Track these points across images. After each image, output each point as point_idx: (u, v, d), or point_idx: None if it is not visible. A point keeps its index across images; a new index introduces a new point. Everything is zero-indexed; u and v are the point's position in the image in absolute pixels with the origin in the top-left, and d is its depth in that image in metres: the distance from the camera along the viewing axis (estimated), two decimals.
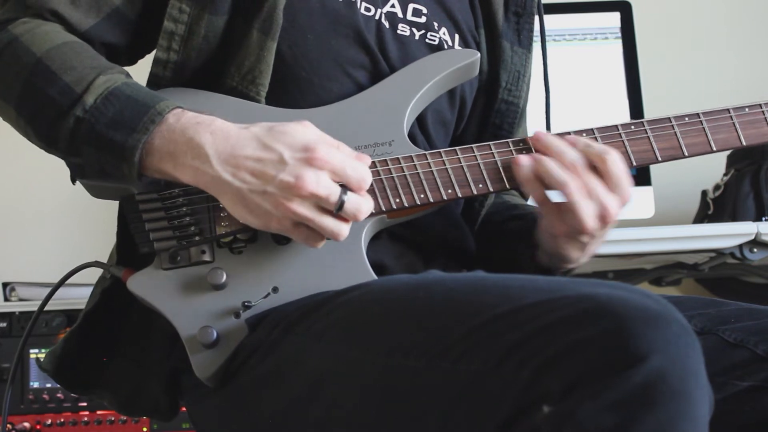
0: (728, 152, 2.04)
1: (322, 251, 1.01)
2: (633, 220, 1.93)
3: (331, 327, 0.94)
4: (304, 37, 1.10)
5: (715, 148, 1.11)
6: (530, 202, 1.34)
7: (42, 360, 1.16)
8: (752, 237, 1.68)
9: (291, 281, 1.02)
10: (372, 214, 1.01)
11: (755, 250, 1.70)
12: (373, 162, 1.05)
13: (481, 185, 1.07)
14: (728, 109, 1.12)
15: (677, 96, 2.43)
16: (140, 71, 1.13)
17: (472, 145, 1.08)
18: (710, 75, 2.49)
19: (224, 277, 1.01)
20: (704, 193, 2.09)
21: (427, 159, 1.07)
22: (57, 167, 1.18)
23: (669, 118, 1.11)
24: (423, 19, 1.18)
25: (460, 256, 1.19)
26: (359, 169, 0.97)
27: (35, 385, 1.95)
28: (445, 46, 1.18)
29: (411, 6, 1.18)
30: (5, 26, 1.06)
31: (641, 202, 1.98)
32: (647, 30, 2.23)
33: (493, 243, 1.23)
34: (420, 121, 1.16)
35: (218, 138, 0.96)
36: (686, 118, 1.11)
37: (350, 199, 0.95)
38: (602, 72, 2.11)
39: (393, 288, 0.93)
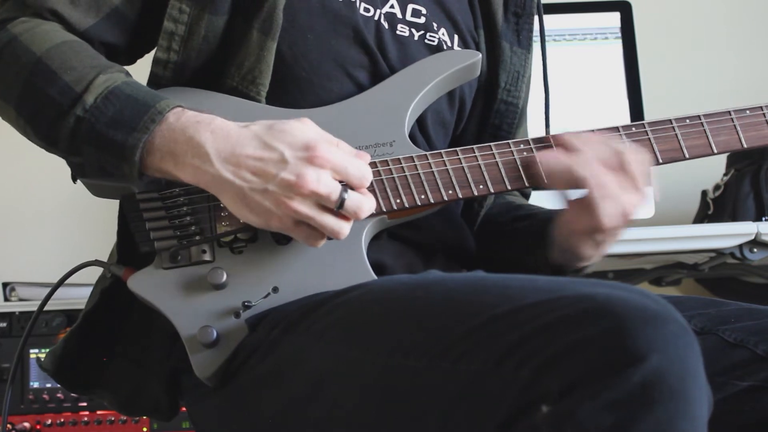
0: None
1: (322, 251, 1.01)
2: (633, 220, 1.93)
3: (331, 327, 0.94)
4: (304, 37, 1.10)
5: (716, 150, 1.11)
6: (531, 201, 1.34)
7: (42, 360, 1.16)
8: (752, 237, 1.68)
9: (291, 281, 1.02)
10: (372, 215, 1.01)
11: (755, 250, 1.70)
12: (374, 162, 1.05)
13: (481, 186, 1.07)
14: (729, 111, 1.12)
15: (677, 96, 2.43)
16: (140, 71, 1.13)
17: (473, 146, 1.08)
18: (710, 75, 2.49)
19: (224, 276, 1.01)
20: (704, 193, 2.09)
21: (427, 159, 1.07)
22: (57, 167, 1.18)
23: (670, 120, 1.11)
24: (422, 20, 1.18)
25: (460, 256, 1.19)
26: (360, 167, 0.97)
27: (35, 385, 1.95)
28: (444, 47, 1.18)
29: (410, 6, 1.18)
30: (4, 25, 1.06)
31: None
32: (647, 30, 2.23)
33: (499, 243, 1.23)
34: (420, 121, 1.16)
35: (218, 137, 0.97)
36: (687, 120, 1.11)
37: (351, 197, 0.95)
38: (602, 72, 2.11)
39: (393, 288, 0.93)
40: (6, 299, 2.08)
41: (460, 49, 1.20)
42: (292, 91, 1.10)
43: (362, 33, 1.12)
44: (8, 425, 1.90)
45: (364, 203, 0.97)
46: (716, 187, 2.05)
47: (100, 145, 0.99)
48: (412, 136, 1.13)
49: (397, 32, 1.16)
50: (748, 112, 1.12)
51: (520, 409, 0.74)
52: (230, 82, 1.09)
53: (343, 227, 0.97)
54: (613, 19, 2.13)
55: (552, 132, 1.16)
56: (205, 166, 0.96)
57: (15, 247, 2.43)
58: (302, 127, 0.97)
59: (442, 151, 1.07)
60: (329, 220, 0.95)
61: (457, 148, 1.08)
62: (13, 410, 1.93)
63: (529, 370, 0.74)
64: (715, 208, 2.03)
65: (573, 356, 0.73)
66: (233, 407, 1.04)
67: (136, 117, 0.98)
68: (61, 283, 1.14)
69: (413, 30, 1.17)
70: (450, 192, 1.06)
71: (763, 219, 1.93)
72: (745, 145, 1.11)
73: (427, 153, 1.07)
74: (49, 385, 1.94)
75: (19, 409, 1.93)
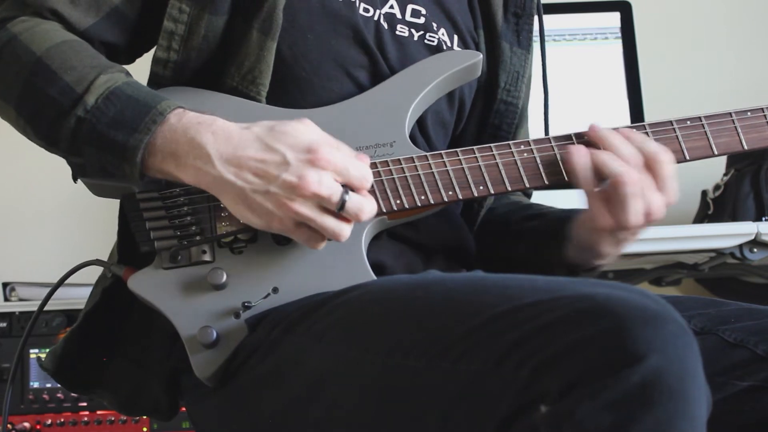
0: None
1: (322, 252, 1.01)
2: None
3: (330, 327, 0.94)
4: (304, 37, 1.10)
5: (716, 152, 1.11)
6: (535, 200, 1.34)
7: (43, 359, 1.16)
8: (752, 237, 1.68)
9: (291, 282, 1.02)
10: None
11: (755, 250, 1.70)
12: (374, 163, 1.05)
13: (481, 187, 1.07)
14: (730, 113, 1.11)
15: (677, 96, 2.43)
16: (140, 70, 1.13)
17: (474, 147, 1.08)
18: (710, 75, 2.49)
19: (224, 277, 1.01)
20: (704, 193, 2.08)
21: (428, 160, 1.07)
22: (57, 167, 1.18)
23: (671, 122, 1.10)
24: (422, 20, 1.18)
25: (459, 256, 1.19)
26: (361, 168, 0.97)
27: (35, 385, 1.95)
28: (444, 47, 1.18)
29: (410, 7, 1.18)
30: (4, 24, 1.06)
31: None
32: (647, 30, 2.23)
33: (505, 242, 1.23)
34: (419, 122, 1.16)
35: (220, 138, 0.97)
36: (688, 122, 1.11)
37: (352, 198, 0.95)
38: (602, 72, 2.11)
39: (392, 288, 0.94)
40: (6, 299, 2.08)
41: (460, 49, 1.20)
42: (292, 91, 1.10)
43: (362, 33, 1.12)
44: (8, 425, 1.90)
45: (365, 205, 0.97)
46: (716, 187, 2.05)
47: (101, 146, 0.99)
48: (411, 137, 1.13)
49: (397, 32, 1.16)
50: (749, 113, 1.12)
51: (520, 409, 0.74)
52: (230, 82, 1.09)
53: (344, 229, 0.97)
54: (613, 19, 2.13)
55: (551, 132, 1.16)
56: (207, 167, 0.96)
57: (15, 247, 2.43)
58: (304, 129, 0.97)
59: (442, 152, 1.07)
60: (330, 222, 0.96)
61: (458, 149, 1.08)
62: (13, 410, 1.93)
63: (528, 370, 0.74)
64: (715, 208, 2.03)
65: (572, 356, 0.73)
66: (233, 407, 1.04)
67: (137, 118, 0.98)
68: (61, 283, 1.14)
69: (413, 30, 1.17)
70: (450, 193, 1.06)
71: (763, 219, 1.93)
72: (746, 147, 1.11)
73: (428, 154, 1.07)
74: (49, 385, 1.94)
75: (19, 409, 1.93)
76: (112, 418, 1.95)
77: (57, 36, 1.05)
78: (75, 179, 1.09)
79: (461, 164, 1.07)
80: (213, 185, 0.97)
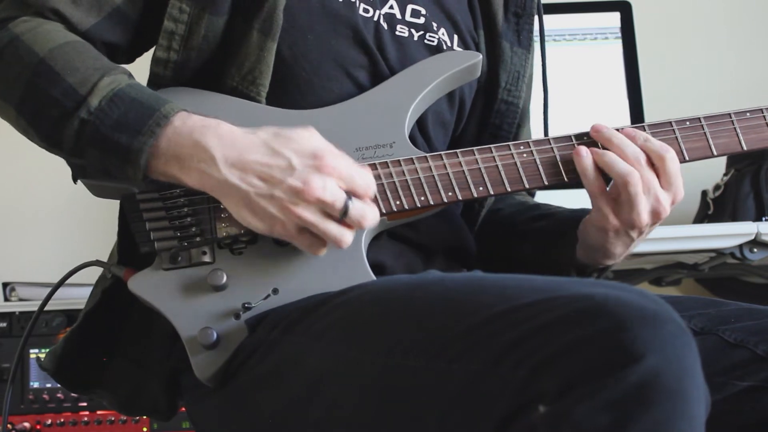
0: None
1: None
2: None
3: (330, 327, 0.94)
4: (304, 37, 1.10)
5: (715, 153, 1.11)
6: (538, 199, 1.34)
7: (42, 359, 1.16)
8: (752, 237, 1.68)
9: (291, 283, 1.02)
10: None
11: (755, 250, 1.71)
12: (374, 164, 1.05)
13: (481, 188, 1.07)
14: (729, 114, 1.12)
15: (677, 96, 2.43)
16: (140, 70, 1.13)
17: (473, 148, 1.08)
18: (710, 75, 2.49)
19: (224, 278, 1.01)
20: (704, 193, 2.09)
21: (427, 161, 1.07)
22: (57, 167, 1.18)
23: (670, 122, 1.10)
24: (422, 20, 1.18)
25: (460, 256, 1.19)
26: (365, 176, 0.97)
27: (35, 385, 1.95)
28: (444, 47, 1.18)
29: (410, 7, 1.18)
30: (5, 25, 1.06)
31: None
32: (647, 30, 2.23)
33: (511, 242, 1.23)
34: (420, 122, 1.16)
35: (225, 142, 0.97)
36: (687, 122, 1.11)
37: (355, 205, 0.96)
38: (602, 72, 2.11)
39: (392, 288, 0.94)
40: (6, 299, 2.08)
41: (460, 49, 1.20)
42: (292, 92, 1.10)
43: (362, 33, 1.12)
44: (8, 425, 1.90)
45: (367, 212, 0.97)
46: (716, 187, 2.05)
47: (104, 148, 0.99)
48: (412, 137, 1.13)
49: (397, 33, 1.16)
50: (748, 114, 1.12)
51: (518, 409, 0.74)
52: (230, 82, 1.09)
53: (346, 235, 0.97)
54: (613, 19, 2.13)
55: (551, 132, 1.16)
56: (211, 170, 0.96)
57: (15, 247, 2.43)
58: (309, 136, 0.97)
59: (441, 153, 1.07)
60: (332, 228, 0.96)
61: (457, 150, 1.08)
62: (13, 410, 1.93)
63: (526, 370, 0.74)
64: (715, 208, 2.03)
65: (570, 356, 0.73)
66: (233, 407, 1.04)
67: (141, 120, 0.98)
68: (61, 283, 1.14)
69: (413, 30, 1.17)
70: (449, 194, 1.06)
71: (763, 219, 1.93)
72: (745, 148, 1.11)
73: (427, 155, 1.07)
74: (49, 385, 1.94)
75: (19, 409, 1.93)
76: (112, 418, 1.95)
77: (59, 37, 1.05)
78: (75, 180, 1.09)
79: (461, 165, 1.07)
80: (217, 188, 0.97)
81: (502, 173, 1.08)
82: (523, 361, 0.74)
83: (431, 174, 1.06)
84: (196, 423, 1.15)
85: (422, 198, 1.06)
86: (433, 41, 1.18)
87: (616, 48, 2.11)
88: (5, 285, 2.09)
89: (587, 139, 1.09)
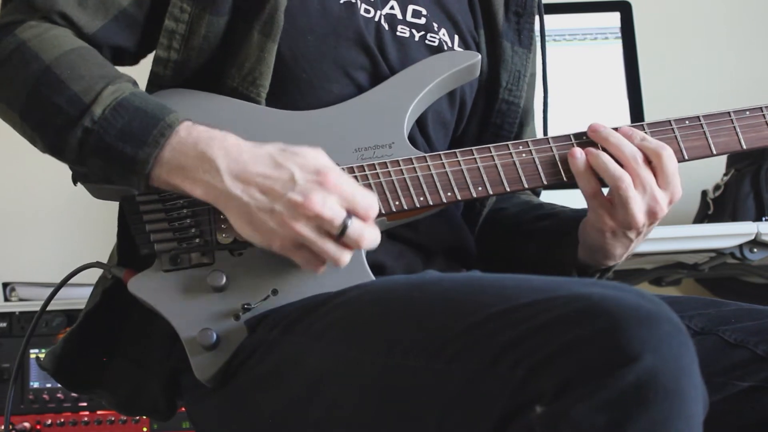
0: None
1: None
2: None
3: (330, 327, 0.94)
4: (304, 38, 1.10)
5: (715, 152, 1.11)
6: (541, 198, 1.34)
7: (42, 359, 1.16)
8: (752, 237, 1.68)
9: (290, 284, 1.02)
10: None
11: (755, 250, 1.71)
12: (373, 164, 1.05)
13: (480, 188, 1.07)
14: (729, 113, 1.12)
15: (677, 96, 2.42)
16: (140, 70, 1.13)
17: (472, 148, 1.08)
18: (710, 75, 2.49)
19: (224, 279, 1.01)
20: (704, 193, 2.08)
21: (426, 162, 1.07)
22: (57, 167, 1.18)
23: (669, 121, 1.10)
24: (422, 21, 1.18)
25: (459, 256, 1.19)
26: (368, 197, 0.96)
27: (35, 385, 1.95)
28: (445, 47, 1.18)
29: (410, 7, 1.18)
30: (12, 30, 1.05)
31: None
32: (647, 30, 2.23)
33: (515, 241, 1.23)
34: (420, 122, 1.16)
35: (231, 154, 0.96)
36: (686, 121, 1.11)
37: (354, 225, 0.94)
38: (602, 72, 2.11)
39: (391, 288, 0.94)
40: (6, 299, 2.08)
41: (460, 49, 1.20)
42: (292, 92, 1.10)
43: (362, 34, 1.12)
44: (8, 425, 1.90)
45: (366, 233, 0.95)
46: (716, 187, 2.05)
47: (108, 157, 0.99)
48: (412, 137, 1.13)
49: (398, 33, 1.16)
50: (747, 113, 1.12)
51: (516, 409, 0.74)
52: (230, 82, 1.09)
53: (343, 255, 0.96)
54: (613, 19, 2.13)
55: (552, 132, 1.16)
56: (215, 181, 0.96)
57: (15, 247, 2.43)
58: (315, 154, 0.97)
59: (440, 153, 1.07)
60: (330, 247, 0.95)
61: (456, 150, 1.08)
62: (13, 410, 1.93)
63: (524, 370, 0.74)
64: (715, 208, 2.03)
65: (568, 356, 0.73)
66: (233, 407, 1.04)
67: (145, 130, 0.98)
68: (62, 285, 1.14)
69: (413, 31, 1.17)
70: (449, 194, 1.06)
71: (763, 219, 1.93)
72: (744, 147, 1.11)
73: (426, 155, 1.07)
74: (49, 385, 1.94)
75: (19, 409, 1.93)
76: (112, 418, 1.95)
77: (66, 43, 1.04)
78: (75, 182, 1.09)
79: (460, 165, 1.07)
80: (220, 200, 0.97)
81: (501, 173, 1.08)
82: (521, 361, 0.75)
83: (430, 174, 1.06)
84: (196, 423, 1.15)
85: (421, 198, 1.06)
86: (434, 42, 1.18)
87: (616, 48, 2.11)
88: (5, 285, 2.09)
89: (586, 138, 1.09)
